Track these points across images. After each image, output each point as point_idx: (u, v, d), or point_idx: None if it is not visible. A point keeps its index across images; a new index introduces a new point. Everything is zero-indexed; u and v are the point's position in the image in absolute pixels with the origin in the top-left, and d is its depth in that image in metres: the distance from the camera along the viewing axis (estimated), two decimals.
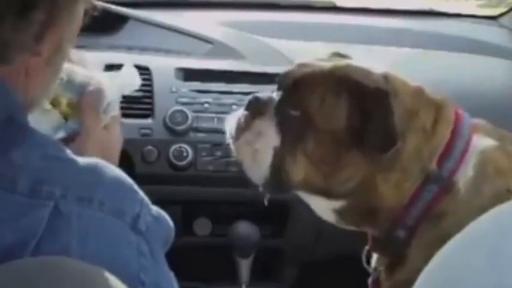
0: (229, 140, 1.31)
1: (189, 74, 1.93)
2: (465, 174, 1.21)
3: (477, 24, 2.42)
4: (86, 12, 0.94)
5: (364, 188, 1.22)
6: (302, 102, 1.22)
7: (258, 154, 1.25)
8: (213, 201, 1.90)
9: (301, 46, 2.09)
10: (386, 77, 1.23)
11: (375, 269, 1.32)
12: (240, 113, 1.31)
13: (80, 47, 1.55)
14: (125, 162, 1.76)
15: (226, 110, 1.86)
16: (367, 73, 1.23)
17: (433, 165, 1.21)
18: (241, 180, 1.82)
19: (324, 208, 1.29)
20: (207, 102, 1.87)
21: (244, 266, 1.85)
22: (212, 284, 1.99)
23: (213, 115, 1.84)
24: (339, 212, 1.27)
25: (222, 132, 1.82)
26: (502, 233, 0.62)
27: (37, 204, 0.77)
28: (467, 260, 0.63)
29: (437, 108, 1.25)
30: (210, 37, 2.08)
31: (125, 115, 1.77)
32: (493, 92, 1.99)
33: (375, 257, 1.33)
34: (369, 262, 1.35)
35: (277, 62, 2.00)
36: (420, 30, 2.25)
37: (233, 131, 1.29)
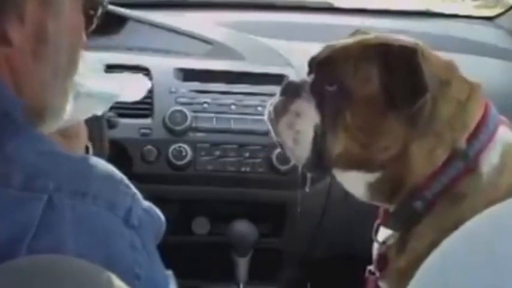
0: (268, 125, 1.34)
1: (188, 74, 1.94)
2: (490, 160, 1.23)
3: (474, 25, 2.43)
4: (92, 14, 0.94)
5: (399, 156, 1.24)
6: (337, 75, 1.25)
7: (299, 135, 1.28)
8: (212, 201, 1.91)
9: (299, 47, 2.10)
10: (416, 45, 1.26)
11: (383, 243, 1.33)
12: (275, 99, 1.33)
13: None
14: (125, 161, 1.79)
15: (225, 110, 1.88)
16: (394, 38, 1.27)
17: (463, 141, 1.23)
18: (240, 179, 1.85)
19: (358, 183, 1.30)
20: (206, 102, 1.87)
21: (242, 265, 1.86)
22: (210, 283, 1.99)
23: (212, 115, 1.85)
24: (372, 186, 1.29)
25: (221, 132, 1.86)
26: (496, 234, 0.63)
27: (31, 197, 0.77)
28: (464, 258, 0.63)
29: (471, 86, 1.27)
30: (209, 38, 2.09)
31: (124, 115, 1.81)
32: (489, 93, 2.00)
33: (382, 231, 1.35)
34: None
35: (276, 63, 2.02)
36: (417, 31, 2.26)
37: (272, 116, 1.32)
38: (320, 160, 1.28)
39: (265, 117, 1.34)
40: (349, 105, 1.24)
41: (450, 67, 1.28)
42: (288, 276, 2.03)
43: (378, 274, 1.33)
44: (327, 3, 2.48)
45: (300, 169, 1.35)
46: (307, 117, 1.28)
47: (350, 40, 1.31)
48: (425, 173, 1.24)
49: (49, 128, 0.92)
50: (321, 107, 1.27)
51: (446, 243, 0.68)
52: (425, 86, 1.19)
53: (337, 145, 1.25)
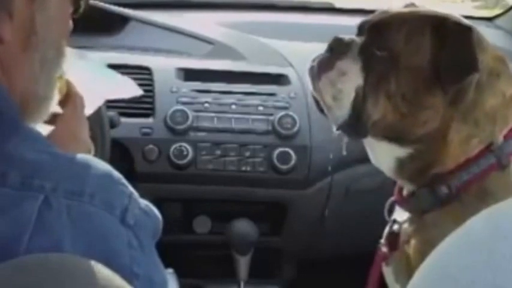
0: (309, 80, 1.30)
1: (189, 74, 1.95)
2: None
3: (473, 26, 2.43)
4: (76, 7, 0.93)
5: (436, 135, 1.23)
6: (388, 42, 1.24)
7: (340, 94, 1.25)
8: (213, 200, 1.92)
9: (300, 47, 2.10)
10: (474, 28, 1.25)
11: (394, 221, 1.32)
12: (320, 55, 1.30)
13: (82, 47, 1.58)
14: (126, 160, 1.81)
15: (226, 109, 1.88)
16: (449, 14, 1.26)
17: (501, 137, 1.23)
18: (240, 179, 1.86)
19: (388, 156, 1.29)
20: (207, 102, 1.88)
21: (243, 264, 1.87)
22: (211, 281, 2.00)
23: (213, 114, 1.86)
24: (402, 161, 1.27)
25: (221, 131, 1.87)
26: (496, 234, 0.62)
27: (27, 196, 0.77)
28: (464, 258, 0.63)
29: None
30: (211, 38, 2.09)
31: (126, 114, 1.82)
32: None
33: (398, 210, 1.33)
34: (390, 213, 1.35)
35: (276, 62, 2.03)
36: None
37: (314, 71, 1.29)
38: (357, 123, 1.25)
39: (307, 72, 1.30)
40: (395, 72, 1.22)
41: (502, 61, 1.27)
42: (288, 275, 2.04)
43: (386, 251, 1.32)
44: (327, 3, 2.48)
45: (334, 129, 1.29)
46: (351, 77, 1.25)
47: (405, 10, 1.30)
48: (457, 159, 1.23)
49: (37, 119, 0.92)
50: (366, 69, 1.25)
51: (445, 243, 0.68)
52: (475, 65, 1.18)
53: (377, 111, 1.24)
